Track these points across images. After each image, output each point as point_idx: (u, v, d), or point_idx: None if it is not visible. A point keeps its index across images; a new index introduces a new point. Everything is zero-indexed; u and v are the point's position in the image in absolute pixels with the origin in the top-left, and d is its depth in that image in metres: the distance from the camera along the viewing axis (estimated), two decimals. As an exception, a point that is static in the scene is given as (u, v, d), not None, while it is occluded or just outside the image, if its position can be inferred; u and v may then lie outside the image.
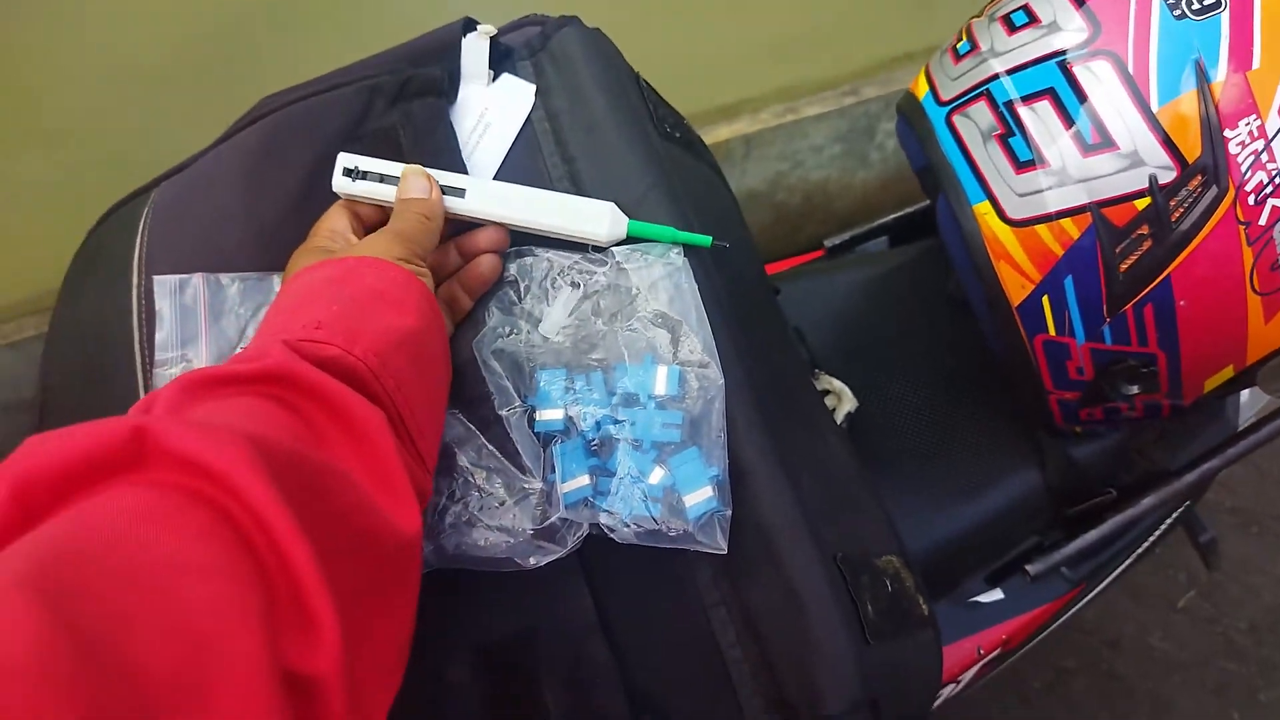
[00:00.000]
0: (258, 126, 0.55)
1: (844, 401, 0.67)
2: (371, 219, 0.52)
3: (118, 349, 0.52)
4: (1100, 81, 0.53)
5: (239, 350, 0.50)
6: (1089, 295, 0.56)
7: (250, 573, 0.28)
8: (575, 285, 0.50)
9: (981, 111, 0.57)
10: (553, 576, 0.45)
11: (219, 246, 0.53)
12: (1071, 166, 0.54)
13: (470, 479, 0.47)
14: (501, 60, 0.57)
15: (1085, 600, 0.79)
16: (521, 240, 0.52)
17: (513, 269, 0.51)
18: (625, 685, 0.45)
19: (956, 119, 0.58)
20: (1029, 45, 0.55)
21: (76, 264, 0.61)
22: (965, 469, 0.70)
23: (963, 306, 0.77)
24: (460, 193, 0.50)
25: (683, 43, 1.05)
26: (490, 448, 0.47)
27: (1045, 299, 0.57)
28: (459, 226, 0.52)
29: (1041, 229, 0.55)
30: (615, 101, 0.54)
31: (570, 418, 0.47)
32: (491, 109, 0.55)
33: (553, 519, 0.45)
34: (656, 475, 0.46)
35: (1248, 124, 0.50)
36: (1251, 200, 0.51)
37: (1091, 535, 0.67)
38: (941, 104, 0.60)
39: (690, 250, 0.50)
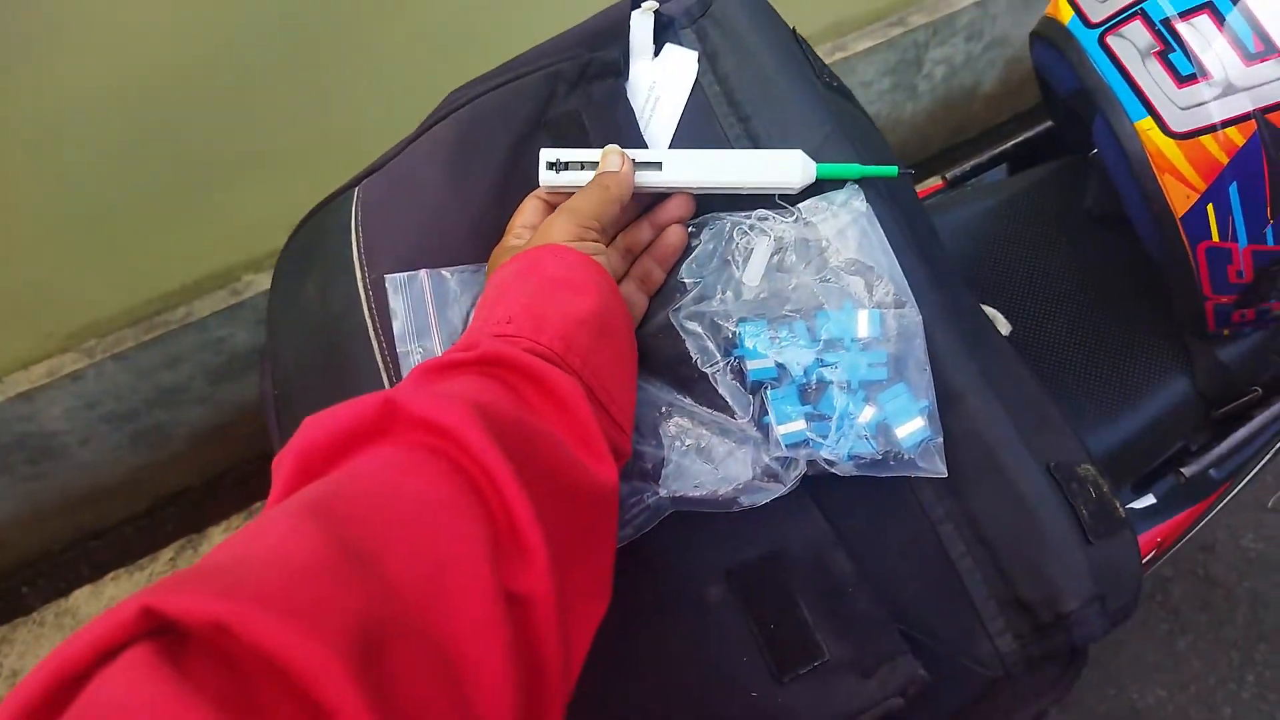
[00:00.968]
0: (451, 120, 0.58)
1: (999, 325, 0.70)
2: None
3: (354, 339, 0.55)
4: (1256, -10, 0.55)
5: (454, 343, 0.55)
6: (1254, 199, 0.58)
7: (477, 508, 0.34)
8: (767, 234, 0.53)
9: (1137, 30, 0.59)
10: (785, 505, 0.48)
11: (433, 238, 0.56)
12: (1235, 76, 0.56)
13: (685, 436, 0.50)
14: (663, 31, 0.59)
15: (1229, 497, 0.82)
16: (703, 208, 0.54)
17: (701, 236, 0.54)
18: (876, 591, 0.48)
19: (1110, 39, 0.60)
20: (1182, -38, 0.57)
21: (288, 261, 0.64)
22: (1117, 381, 0.73)
23: (1103, 222, 0.79)
24: (658, 166, 0.53)
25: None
26: (698, 405, 0.50)
27: (1210, 207, 0.59)
28: (652, 200, 0.54)
29: (1206, 139, 0.57)
30: (782, 57, 0.56)
31: (780, 365, 0.50)
32: (660, 81, 0.58)
33: (770, 460, 0.48)
34: (868, 413, 0.48)
35: None
36: None
37: (1241, 433, 0.70)
38: (1091, 26, 0.62)
39: (869, 191, 0.53)
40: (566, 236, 0.49)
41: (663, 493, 0.48)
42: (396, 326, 0.54)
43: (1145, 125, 0.59)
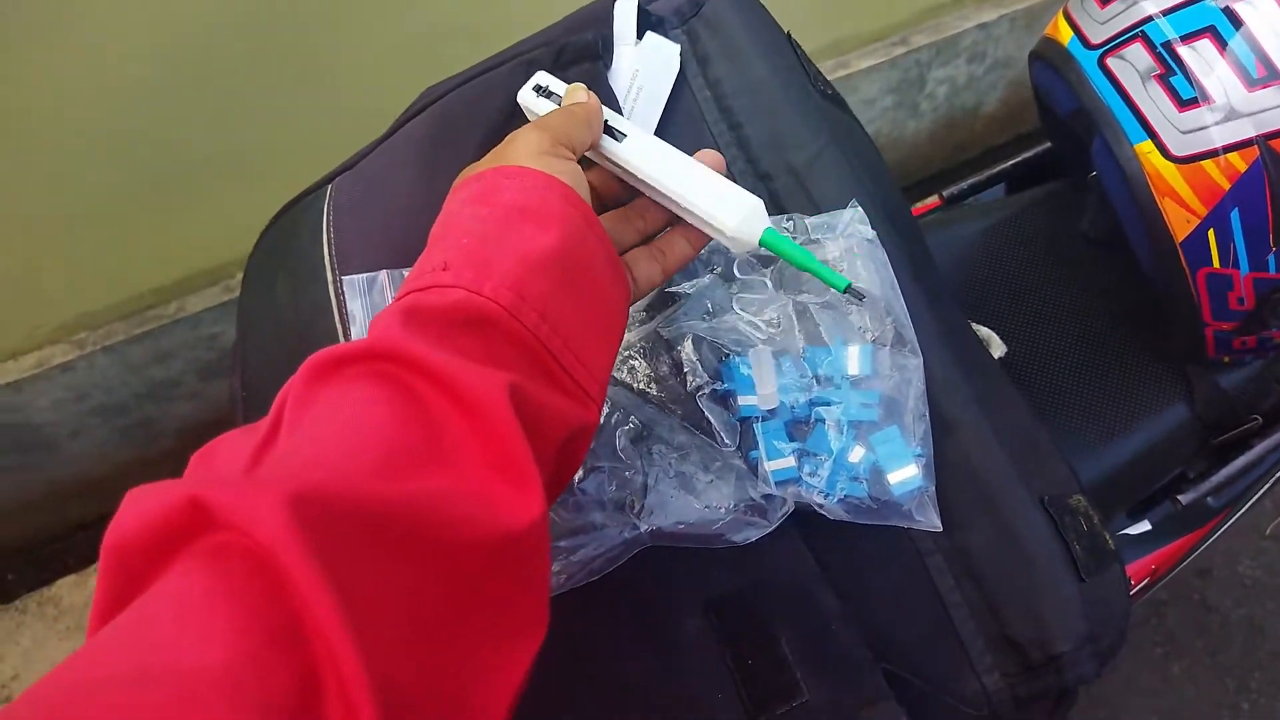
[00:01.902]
0: (424, 117, 0.57)
1: (993, 347, 0.69)
2: None
3: (322, 344, 0.54)
4: (1261, 14, 0.54)
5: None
6: (1255, 226, 0.57)
7: (285, 662, 0.26)
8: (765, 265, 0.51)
9: (1138, 53, 0.58)
10: (769, 536, 0.47)
11: (405, 238, 0.54)
12: (1237, 101, 0.55)
13: (667, 462, 0.48)
14: (652, 30, 0.57)
15: (1226, 526, 0.81)
16: None
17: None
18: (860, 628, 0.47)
19: (1110, 61, 0.59)
20: (1185, -17, 0.56)
21: (258, 262, 0.63)
22: (1114, 407, 0.72)
23: (1099, 246, 0.78)
24: (620, 136, 0.47)
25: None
26: (681, 427, 0.48)
27: (1210, 232, 0.58)
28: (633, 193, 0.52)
29: (1207, 164, 0.56)
30: (776, 63, 0.55)
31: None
32: (642, 71, 0.56)
33: (756, 496, 0.46)
34: (858, 454, 0.47)
35: None
36: None
37: (1240, 461, 0.69)
38: (1091, 48, 0.61)
39: (867, 208, 0.51)
40: (533, 150, 0.42)
41: (643, 528, 0.47)
42: (355, 332, 0.52)
43: (1145, 148, 0.58)
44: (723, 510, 0.47)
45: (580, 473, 0.48)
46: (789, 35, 0.60)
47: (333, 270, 0.55)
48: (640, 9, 0.56)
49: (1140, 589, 0.79)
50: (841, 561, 0.48)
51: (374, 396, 0.34)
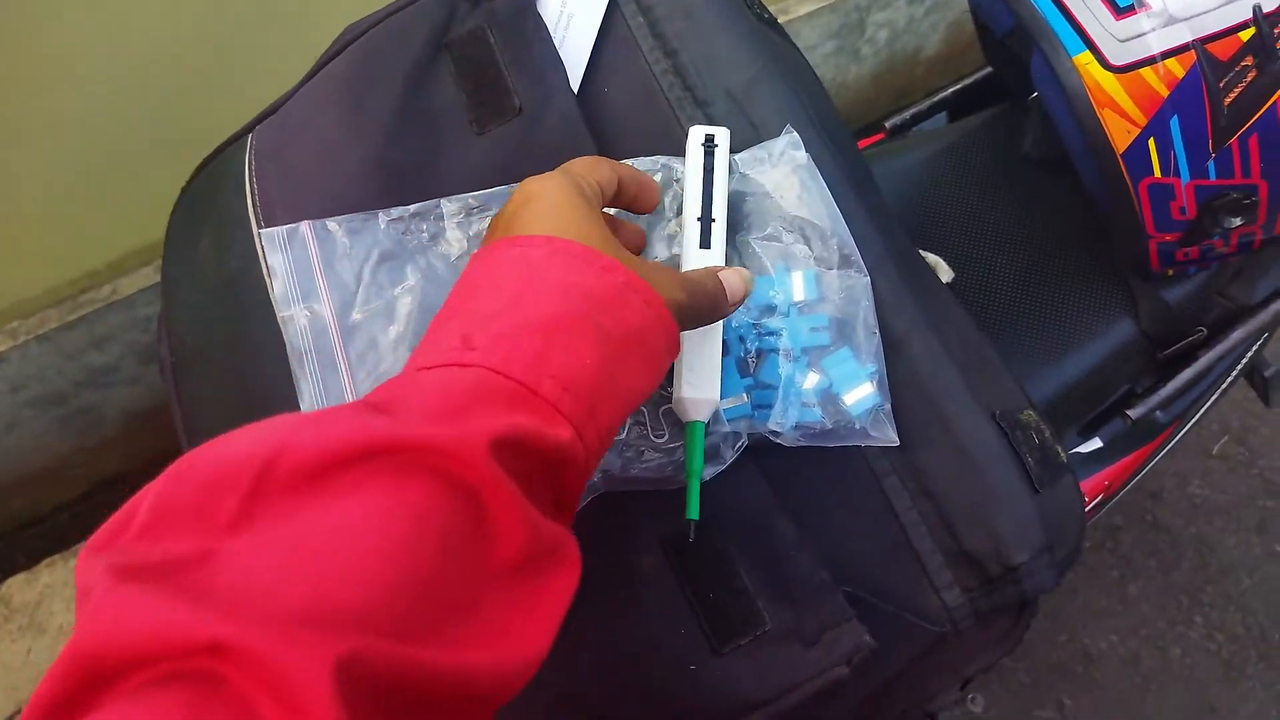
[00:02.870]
0: (345, 55, 0.55)
1: (941, 272, 0.69)
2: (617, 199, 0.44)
3: (252, 300, 0.52)
4: (1193, -84, 0.54)
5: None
6: (1195, 132, 0.57)
7: None
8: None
9: (1074, -38, 0.57)
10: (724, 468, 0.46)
11: (331, 182, 0.52)
12: (1173, 7, 0.54)
13: None
14: None
15: (1176, 439, 0.82)
16: (637, 148, 0.51)
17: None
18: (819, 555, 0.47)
19: (1046, -27, 0.59)
20: (1117, -111, 0.56)
21: (180, 220, 0.61)
22: (1061, 325, 0.72)
23: (1041, 166, 0.78)
24: (706, 244, 0.47)
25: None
26: None
27: (1151, 142, 0.58)
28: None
29: (1145, 72, 0.56)
30: None
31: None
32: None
33: (713, 436, 0.46)
34: (811, 380, 0.46)
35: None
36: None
37: (1187, 373, 0.70)
38: (1026, -39, 0.60)
39: (808, 132, 0.50)
40: (673, 303, 0.37)
41: (595, 475, 0.46)
42: (278, 287, 0.50)
43: (1084, 60, 0.58)
44: (676, 452, 0.46)
45: None
46: None
47: (257, 222, 0.53)
48: None
49: (1095, 505, 0.80)
50: (798, 489, 0.48)
51: (388, 525, 0.28)
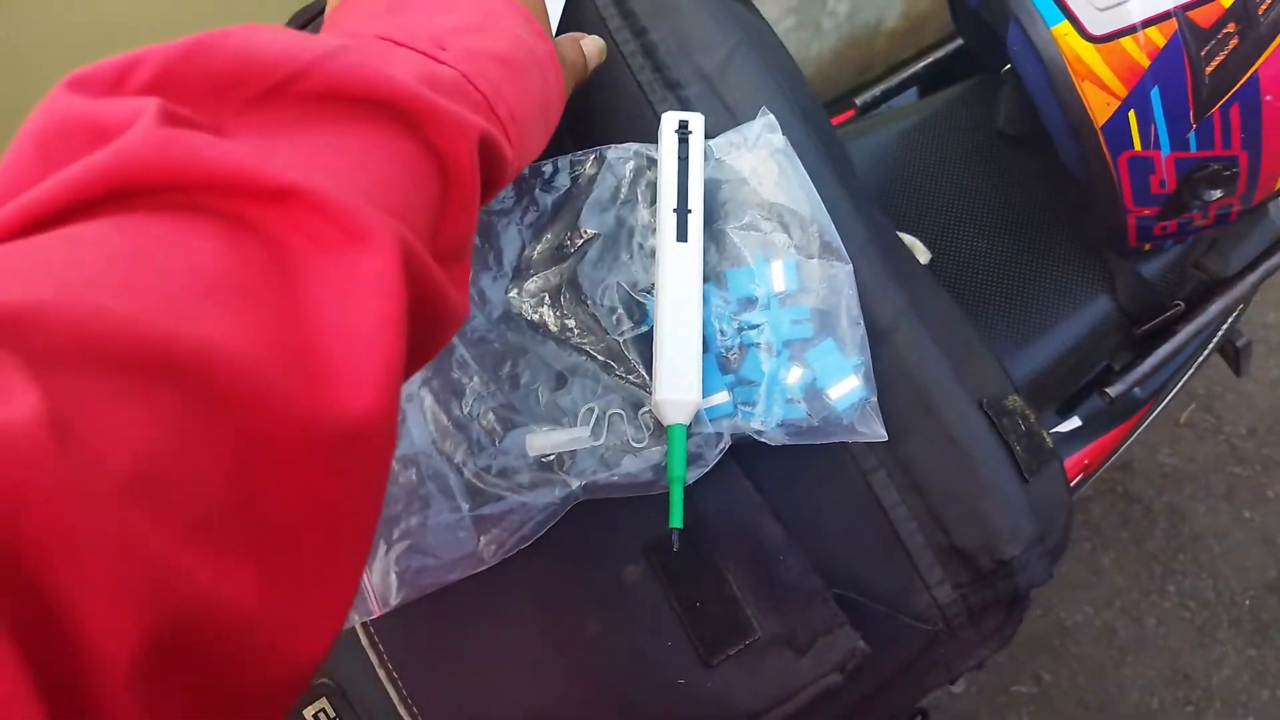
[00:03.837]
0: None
1: (918, 253, 0.67)
2: None
3: None
4: (1171, -121, 0.52)
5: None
6: (1175, 103, 0.55)
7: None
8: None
9: (1050, -72, 0.55)
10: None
11: None
12: (1153, -28, 0.53)
13: (602, 418, 0.45)
14: None
15: (1153, 416, 0.82)
16: (603, 135, 0.48)
17: (599, 169, 0.48)
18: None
19: (1022, -59, 0.57)
20: None
21: None
22: (1038, 304, 0.71)
23: (1015, 142, 0.77)
24: (683, 236, 0.45)
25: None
26: (605, 373, 0.45)
27: (1131, 114, 0.56)
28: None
29: (1126, 41, 0.54)
30: None
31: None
32: None
33: (695, 437, 0.44)
34: (795, 375, 0.44)
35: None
36: (1339, -19, 0.51)
37: (1165, 348, 0.69)
38: (1001, -72, 0.58)
39: (784, 113, 0.48)
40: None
41: (574, 484, 0.43)
42: None
43: (1062, 30, 0.56)
44: (656, 455, 0.44)
45: (500, 430, 0.44)
46: None
47: None
48: None
49: (1074, 485, 0.80)
50: (783, 488, 0.46)
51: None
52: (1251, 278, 0.70)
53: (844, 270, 0.45)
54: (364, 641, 0.45)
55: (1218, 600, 1.25)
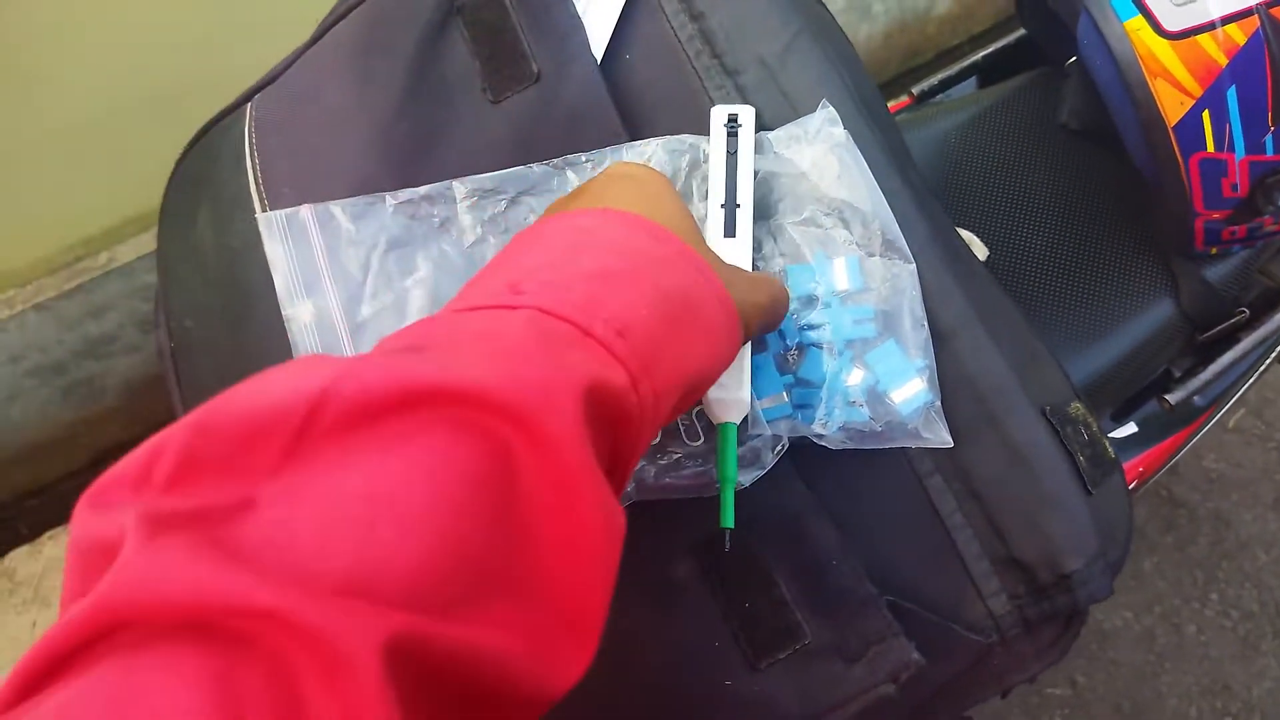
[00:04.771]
0: (351, 19, 0.52)
1: (975, 249, 0.66)
2: None
3: (255, 282, 0.49)
4: (1259, -128, 0.50)
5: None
6: (1254, 104, 0.54)
7: None
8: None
9: (1129, -80, 0.54)
10: None
11: (339, 157, 0.49)
12: (1236, -32, 0.51)
13: None
14: None
15: (1210, 425, 0.80)
16: (650, 126, 0.48)
17: (653, 157, 0.47)
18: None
19: (1098, -68, 0.55)
20: None
21: (175, 196, 0.57)
22: (1099, 306, 0.69)
23: (1079, 137, 0.75)
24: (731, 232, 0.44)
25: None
26: None
27: (1205, 114, 0.55)
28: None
29: (1203, 39, 0.53)
30: None
31: None
32: None
33: (752, 439, 0.43)
34: (856, 376, 0.44)
35: None
36: None
37: (1228, 356, 0.68)
38: (1076, -82, 0.56)
39: (845, 105, 0.47)
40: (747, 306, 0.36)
41: (627, 486, 0.43)
42: (279, 281, 0.47)
43: (1135, 25, 0.54)
44: (710, 457, 0.43)
45: None
46: None
47: (260, 198, 0.50)
48: None
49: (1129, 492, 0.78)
50: (836, 490, 0.45)
51: (439, 488, 0.25)
52: (1320, 285, 0.68)
53: (907, 270, 0.44)
54: None
55: (1261, 611, 1.23)
